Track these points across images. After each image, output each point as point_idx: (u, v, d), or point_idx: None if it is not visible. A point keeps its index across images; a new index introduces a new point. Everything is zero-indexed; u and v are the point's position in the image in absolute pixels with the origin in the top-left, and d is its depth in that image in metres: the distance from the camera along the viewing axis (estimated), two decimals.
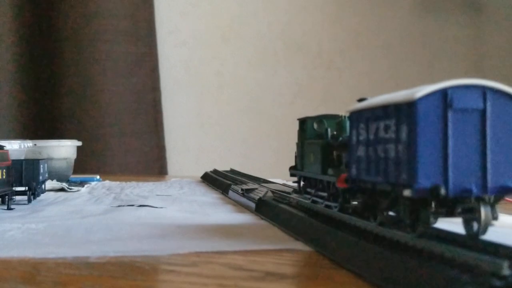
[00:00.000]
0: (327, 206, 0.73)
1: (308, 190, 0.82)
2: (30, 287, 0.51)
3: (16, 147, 1.36)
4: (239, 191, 1.19)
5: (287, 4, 2.86)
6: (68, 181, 1.63)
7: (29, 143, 1.48)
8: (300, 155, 0.85)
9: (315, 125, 0.82)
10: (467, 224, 0.51)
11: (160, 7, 2.75)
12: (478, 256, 0.43)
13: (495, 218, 0.51)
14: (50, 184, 1.42)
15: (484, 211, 0.49)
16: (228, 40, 2.83)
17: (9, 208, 1.05)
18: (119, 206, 1.12)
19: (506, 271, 0.40)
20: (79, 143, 1.76)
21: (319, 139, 0.78)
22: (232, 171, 1.87)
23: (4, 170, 1.02)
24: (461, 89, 0.47)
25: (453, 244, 0.50)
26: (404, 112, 0.49)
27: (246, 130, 2.78)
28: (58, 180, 1.50)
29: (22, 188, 1.14)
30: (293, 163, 0.90)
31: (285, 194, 0.99)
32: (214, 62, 2.83)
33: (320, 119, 0.81)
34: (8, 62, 2.53)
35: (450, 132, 0.47)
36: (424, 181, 0.47)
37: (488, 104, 0.47)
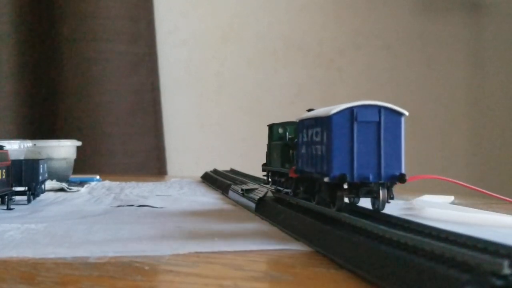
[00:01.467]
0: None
1: (274, 180, 1.02)
2: (29, 287, 0.51)
3: (15, 147, 1.36)
4: (239, 191, 1.19)
5: (287, 4, 2.86)
6: (67, 181, 1.63)
7: (28, 143, 1.48)
8: (268, 154, 1.03)
9: (280, 130, 0.99)
10: (372, 202, 0.71)
11: (160, 7, 2.74)
12: (478, 255, 0.43)
13: (391, 198, 0.70)
14: (49, 184, 1.42)
15: (382, 193, 0.68)
16: (228, 40, 2.83)
17: (8, 208, 1.04)
18: (118, 206, 1.12)
19: (506, 270, 0.40)
20: (79, 143, 1.76)
21: (281, 141, 0.96)
22: (232, 171, 1.86)
23: (4, 170, 1.02)
24: (363, 108, 0.67)
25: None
26: (325, 123, 0.69)
27: (246, 130, 2.78)
28: (57, 180, 1.50)
29: (22, 188, 1.13)
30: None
31: (285, 194, 0.99)
32: (214, 62, 2.83)
33: (283, 125, 0.99)
34: (8, 62, 2.53)
35: (355, 137, 0.67)
36: (336, 171, 0.67)
37: (382, 117, 0.67)
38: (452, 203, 1.11)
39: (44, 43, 2.59)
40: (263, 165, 1.08)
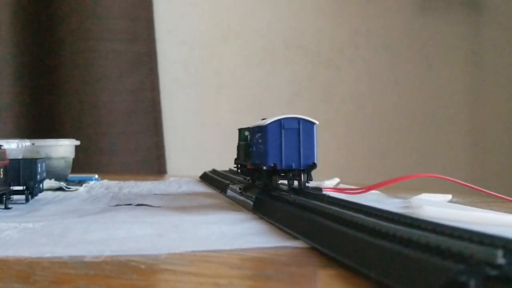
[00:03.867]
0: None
1: (241, 171, 1.29)
2: (24, 286, 0.51)
3: (14, 146, 1.35)
4: (237, 190, 1.18)
5: (287, 3, 2.86)
6: (66, 180, 1.63)
7: (27, 142, 1.48)
8: (238, 151, 1.31)
9: (246, 133, 1.23)
10: (297, 183, 0.97)
11: (159, 6, 2.74)
12: (473, 246, 0.43)
13: (310, 180, 0.96)
14: (48, 183, 1.41)
15: (302, 176, 0.95)
16: (227, 39, 2.83)
17: (6, 208, 1.04)
18: (116, 205, 1.11)
19: (500, 260, 0.40)
20: (78, 142, 1.76)
21: (245, 141, 1.22)
22: (231, 171, 1.86)
23: (1, 169, 1.02)
24: (288, 119, 0.95)
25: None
26: (263, 130, 0.97)
27: None
28: (56, 179, 1.50)
29: (20, 188, 1.13)
30: None
31: (283, 192, 0.98)
32: (213, 61, 2.83)
33: (248, 129, 1.21)
34: (6, 61, 2.53)
35: (282, 139, 0.95)
36: (270, 162, 0.95)
37: (300, 126, 0.95)
38: (450, 201, 1.11)
39: (43, 42, 2.59)
40: (235, 159, 1.34)
